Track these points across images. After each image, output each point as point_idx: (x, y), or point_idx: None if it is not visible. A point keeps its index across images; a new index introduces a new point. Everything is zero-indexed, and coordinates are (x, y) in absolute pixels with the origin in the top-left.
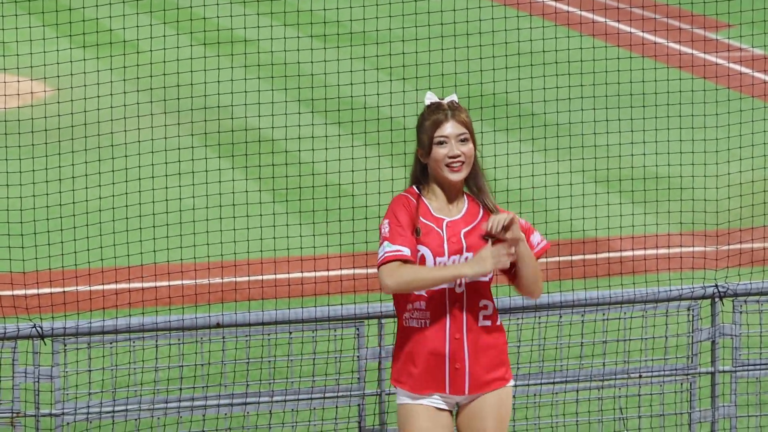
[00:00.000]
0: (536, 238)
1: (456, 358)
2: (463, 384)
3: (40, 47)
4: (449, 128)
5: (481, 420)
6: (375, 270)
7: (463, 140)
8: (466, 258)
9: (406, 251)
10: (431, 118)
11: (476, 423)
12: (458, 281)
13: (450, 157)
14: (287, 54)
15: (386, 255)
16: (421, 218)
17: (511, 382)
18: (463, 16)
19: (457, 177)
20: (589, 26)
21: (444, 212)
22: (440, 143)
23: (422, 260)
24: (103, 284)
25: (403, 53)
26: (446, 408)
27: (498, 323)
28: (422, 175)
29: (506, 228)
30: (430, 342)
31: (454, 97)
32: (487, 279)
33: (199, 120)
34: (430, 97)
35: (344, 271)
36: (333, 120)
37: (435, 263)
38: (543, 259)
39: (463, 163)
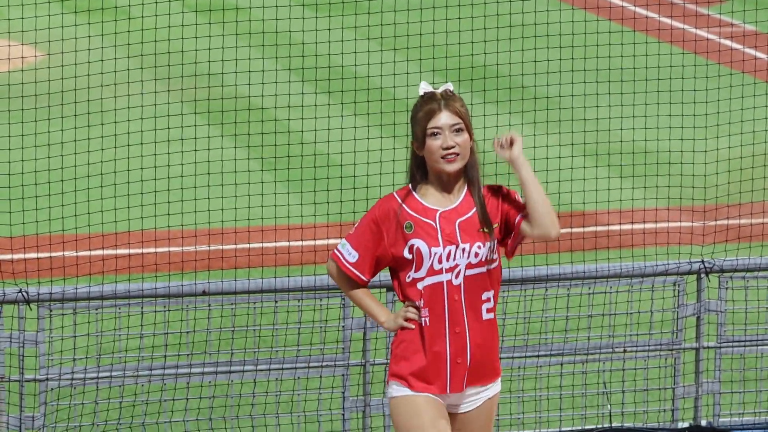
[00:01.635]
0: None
1: (458, 353)
2: (462, 379)
3: (31, 12)
4: (443, 119)
5: (482, 425)
6: None
7: (458, 130)
8: (463, 250)
9: (349, 257)
10: (424, 108)
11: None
12: (455, 273)
13: (444, 149)
14: (278, 22)
15: (334, 252)
16: (411, 212)
17: (498, 380)
18: None
19: (452, 168)
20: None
21: (439, 203)
22: (434, 135)
23: (417, 253)
24: (89, 250)
25: (395, 23)
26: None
27: (495, 315)
28: (419, 167)
29: (510, 144)
30: (430, 339)
31: (450, 86)
32: (491, 267)
33: (189, 87)
34: (424, 87)
35: (331, 241)
36: (323, 89)
37: (431, 254)
38: None
39: (458, 154)
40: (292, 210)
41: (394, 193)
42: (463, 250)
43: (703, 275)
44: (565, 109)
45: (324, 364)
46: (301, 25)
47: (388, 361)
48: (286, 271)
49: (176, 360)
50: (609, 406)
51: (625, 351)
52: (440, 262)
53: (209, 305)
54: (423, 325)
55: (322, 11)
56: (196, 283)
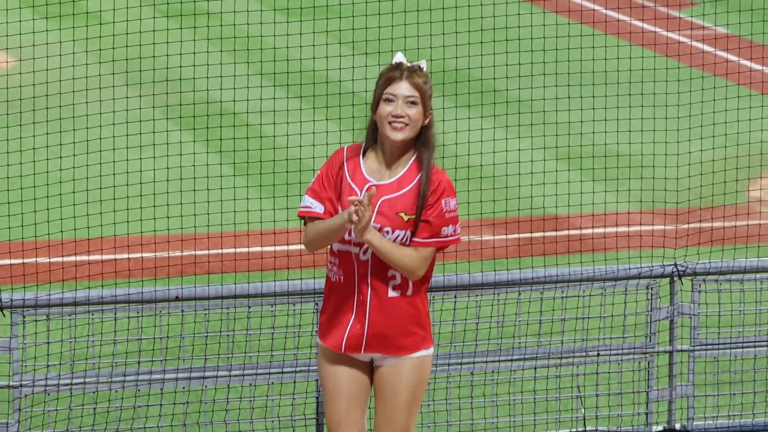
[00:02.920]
0: (448, 230)
1: (358, 319)
2: (359, 344)
3: (2, 18)
4: (400, 88)
5: (396, 381)
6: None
7: (412, 103)
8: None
9: (316, 208)
10: (387, 74)
11: (390, 383)
12: (363, 248)
13: (393, 116)
14: (250, 27)
15: (299, 210)
16: (348, 177)
17: (429, 351)
18: None
19: (396, 136)
20: (552, 3)
21: (376, 175)
22: (387, 100)
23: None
24: (62, 256)
25: (366, 27)
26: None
27: (410, 294)
28: (368, 131)
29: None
30: (339, 296)
31: (423, 64)
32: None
33: (161, 92)
34: (399, 57)
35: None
36: (295, 94)
37: None
38: (503, 235)
39: (406, 125)
40: (265, 215)
41: (345, 148)
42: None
43: (676, 278)
44: (537, 113)
45: (298, 369)
46: (273, 30)
47: None
48: (259, 276)
49: (150, 366)
50: (583, 409)
51: (598, 354)
52: (349, 234)
53: (182, 311)
54: (337, 282)
55: (293, 15)
56: (169, 289)
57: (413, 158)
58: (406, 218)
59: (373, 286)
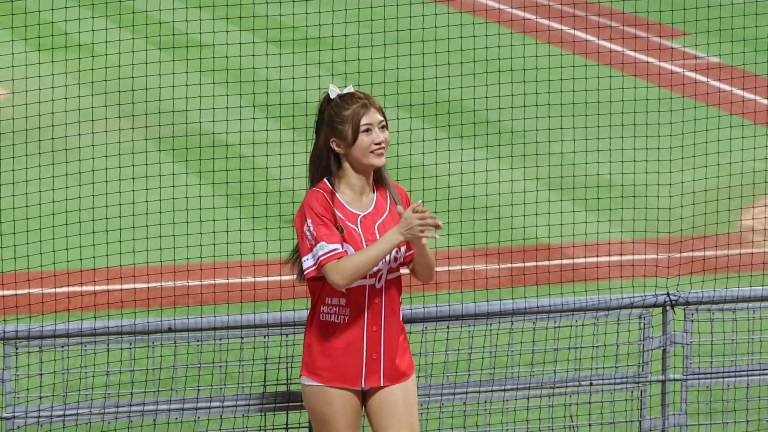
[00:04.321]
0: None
1: (373, 348)
2: (378, 374)
3: None
4: (373, 116)
5: (394, 406)
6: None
7: (383, 127)
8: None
9: (340, 248)
10: (352, 107)
11: (389, 408)
12: (378, 277)
13: (376, 144)
14: (242, 59)
15: (328, 256)
16: (339, 215)
17: (414, 374)
18: (420, 23)
19: (381, 162)
20: (545, 33)
21: (357, 206)
22: (367, 131)
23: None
24: (55, 287)
25: (359, 59)
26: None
27: (401, 317)
28: (331, 167)
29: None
30: (348, 335)
31: (351, 88)
32: (399, 273)
33: (154, 124)
34: (334, 89)
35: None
36: (287, 125)
37: None
38: (496, 265)
39: (384, 149)
40: (258, 246)
41: (318, 190)
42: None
43: (668, 308)
44: (529, 143)
45: (290, 401)
46: (265, 62)
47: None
48: (252, 307)
49: (143, 397)
50: None
51: (591, 384)
52: None
53: (175, 342)
54: (341, 322)
55: (285, 47)
56: (161, 320)
57: (372, 179)
58: None
59: (386, 312)
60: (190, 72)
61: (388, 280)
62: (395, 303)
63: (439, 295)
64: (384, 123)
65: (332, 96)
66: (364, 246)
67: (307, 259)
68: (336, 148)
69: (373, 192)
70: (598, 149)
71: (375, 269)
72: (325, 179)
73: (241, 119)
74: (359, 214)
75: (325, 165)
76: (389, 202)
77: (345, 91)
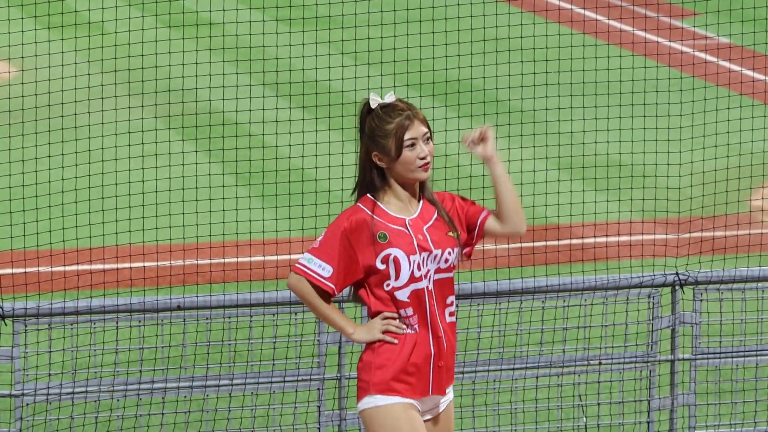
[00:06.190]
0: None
1: (440, 355)
2: (442, 381)
3: (4, 28)
4: (417, 129)
5: (451, 414)
6: None
7: (428, 139)
8: (435, 256)
9: (323, 276)
10: (395, 121)
11: (447, 418)
12: (428, 278)
13: (421, 158)
14: (252, 37)
15: (306, 272)
16: (383, 222)
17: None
18: (430, 2)
19: (428, 176)
20: (554, 13)
21: (403, 212)
22: (411, 146)
23: (395, 262)
24: (64, 265)
25: (369, 38)
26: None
27: (456, 318)
28: (375, 181)
29: (482, 140)
30: (417, 345)
31: (392, 95)
32: (453, 271)
33: (164, 102)
34: (376, 98)
35: None
36: (297, 104)
37: (410, 263)
38: (505, 244)
39: (429, 162)
40: (267, 225)
41: (360, 205)
42: (435, 256)
43: (677, 287)
44: (539, 123)
45: (299, 378)
46: (275, 40)
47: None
48: (261, 285)
49: (152, 375)
50: (585, 418)
51: (600, 363)
52: (419, 269)
53: (184, 320)
54: (415, 334)
55: (296, 26)
56: (171, 298)
57: (417, 187)
58: (455, 235)
59: (441, 316)
60: (200, 50)
61: (436, 281)
62: (446, 305)
63: None
64: (429, 134)
65: (373, 106)
66: (416, 247)
67: (302, 256)
68: (378, 163)
69: (419, 201)
70: (608, 129)
71: (426, 270)
72: (368, 194)
73: (251, 98)
74: (405, 218)
75: (369, 180)
76: (434, 209)
77: (387, 100)
